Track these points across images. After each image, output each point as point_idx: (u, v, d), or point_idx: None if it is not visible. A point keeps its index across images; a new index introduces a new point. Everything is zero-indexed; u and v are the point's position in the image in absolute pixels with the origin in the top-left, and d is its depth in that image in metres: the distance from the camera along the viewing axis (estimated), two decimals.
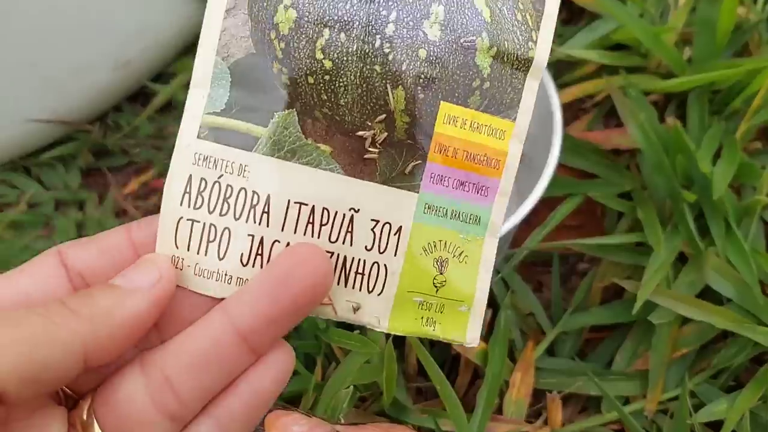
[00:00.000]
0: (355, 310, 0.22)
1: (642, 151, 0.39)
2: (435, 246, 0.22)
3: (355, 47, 0.21)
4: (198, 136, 0.21)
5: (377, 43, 0.21)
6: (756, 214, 0.38)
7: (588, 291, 0.40)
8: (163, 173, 0.43)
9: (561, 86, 0.44)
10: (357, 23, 0.21)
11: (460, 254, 0.23)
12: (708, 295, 0.37)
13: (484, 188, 0.22)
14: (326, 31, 0.21)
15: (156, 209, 0.44)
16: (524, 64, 0.22)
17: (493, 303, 0.40)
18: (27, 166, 0.44)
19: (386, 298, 0.22)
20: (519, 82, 0.22)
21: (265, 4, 0.21)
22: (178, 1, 0.42)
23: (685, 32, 0.43)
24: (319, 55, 0.21)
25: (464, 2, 0.22)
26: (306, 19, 0.21)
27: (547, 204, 0.40)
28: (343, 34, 0.21)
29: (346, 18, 0.21)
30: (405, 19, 0.21)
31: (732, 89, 0.40)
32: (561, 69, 0.45)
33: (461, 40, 0.21)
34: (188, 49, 0.46)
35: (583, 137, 0.42)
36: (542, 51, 0.22)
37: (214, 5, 0.22)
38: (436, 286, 0.22)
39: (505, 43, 0.22)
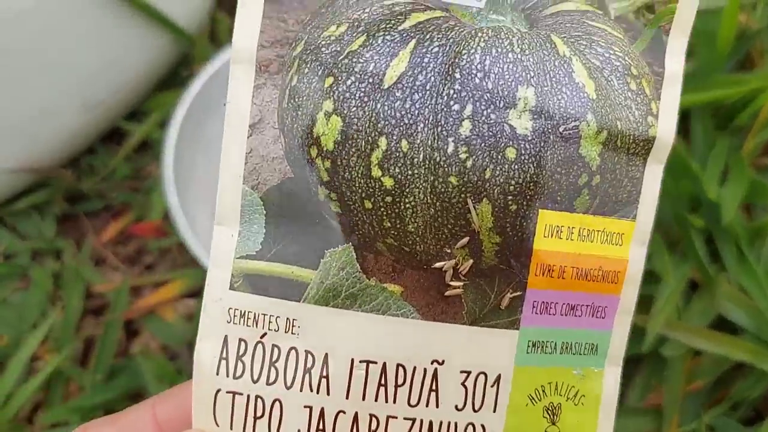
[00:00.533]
0: None
1: None
2: (544, 390, 0.17)
3: (421, 157, 0.16)
4: (231, 287, 0.17)
5: (450, 149, 0.16)
6: None
7: None
8: (141, 216, 0.41)
9: None
10: (422, 125, 0.16)
11: (575, 395, 0.18)
12: (722, 323, 0.35)
13: (600, 309, 0.18)
14: (383, 140, 0.16)
15: (136, 255, 0.42)
16: (644, 147, 0.18)
17: None
18: (0, 216, 0.42)
19: None
20: (637, 170, 0.18)
21: (299, 113, 0.17)
22: (146, 35, 0.39)
23: None
24: (376, 172, 0.16)
25: (561, 77, 0.17)
26: (355, 127, 0.16)
27: None
28: (404, 141, 0.16)
29: (407, 120, 0.16)
30: (484, 112, 0.16)
31: (736, 104, 0.38)
32: None
33: (560, 129, 0.17)
34: (162, 84, 0.43)
35: None
36: (666, 126, 0.18)
37: (233, 119, 0.17)
38: None
39: (618, 123, 0.17)
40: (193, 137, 0.38)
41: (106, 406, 0.37)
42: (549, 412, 0.18)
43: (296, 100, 0.17)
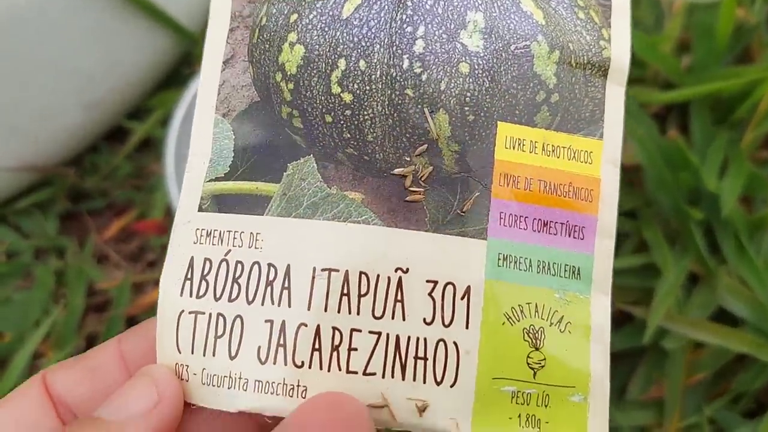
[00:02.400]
0: (421, 411, 0.16)
1: (644, 168, 0.37)
2: (522, 311, 0.17)
3: (378, 73, 0.17)
4: (200, 209, 0.18)
5: (405, 64, 0.17)
6: None
7: None
8: (143, 214, 0.42)
9: None
10: (378, 47, 0.17)
11: (559, 321, 0.17)
12: (722, 315, 0.35)
13: (577, 229, 0.17)
14: (342, 62, 0.17)
15: (138, 252, 0.42)
16: (599, 67, 0.18)
17: None
18: (3, 214, 0.42)
19: (463, 390, 0.16)
20: (597, 90, 0.18)
21: (267, 46, 0.18)
22: (147, 34, 0.40)
23: (683, 38, 0.41)
24: (335, 89, 0.17)
25: (508, 6, 0.18)
26: (317, 52, 0.18)
27: None
28: (362, 61, 0.17)
29: (364, 43, 0.17)
30: (436, 33, 0.17)
31: (735, 97, 0.38)
32: None
33: (512, 47, 0.17)
34: (163, 83, 0.44)
35: None
36: (620, 49, 0.18)
37: (210, 57, 0.19)
38: (532, 368, 0.17)
39: (569, 44, 0.18)
40: None
41: None
42: (530, 335, 0.17)
43: (264, 35, 0.18)
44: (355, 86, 0.18)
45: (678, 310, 0.35)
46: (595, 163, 0.18)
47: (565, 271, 0.17)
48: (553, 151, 0.18)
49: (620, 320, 0.38)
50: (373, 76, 0.18)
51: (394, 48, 0.17)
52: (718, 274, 0.35)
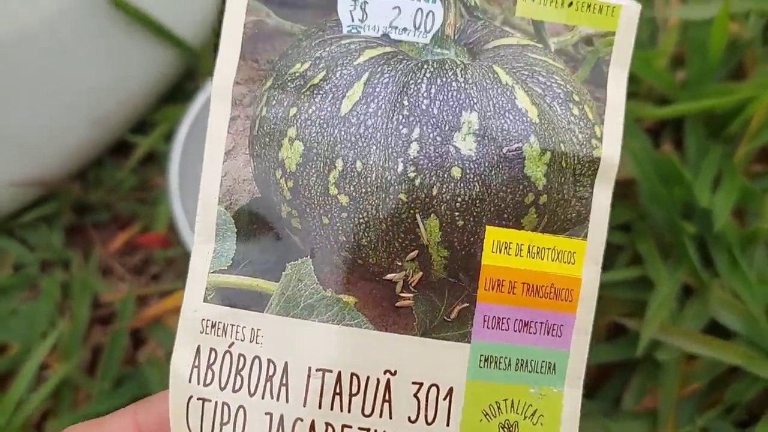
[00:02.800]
0: None
1: (638, 182, 0.38)
2: (499, 407, 0.18)
3: (374, 176, 0.18)
4: (205, 300, 0.18)
5: (400, 168, 0.18)
6: (760, 241, 0.37)
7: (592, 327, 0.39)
8: (147, 227, 0.42)
9: None
10: (374, 147, 0.18)
11: (533, 414, 0.18)
12: (715, 328, 0.36)
13: (556, 327, 0.18)
14: (339, 162, 0.18)
15: (142, 265, 0.43)
16: (590, 167, 0.18)
17: None
18: (9, 227, 0.43)
19: None
20: (586, 190, 0.19)
21: (267, 139, 0.18)
22: (152, 51, 0.40)
23: (678, 53, 0.42)
24: (333, 190, 0.18)
25: (503, 103, 0.18)
26: (315, 150, 0.18)
27: None
28: (359, 162, 0.18)
29: (361, 143, 0.18)
30: (431, 135, 0.18)
31: (729, 112, 0.38)
32: None
33: (504, 150, 0.18)
34: (167, 98, 0.44)
35: None
36: (611, 148, 0.19)
37: (212, 147, 0.19)
38: None
39: (561, 144, 0.18)
40: (198, 149, 0.39)
41: None
42: (505, 429, 0.18)
43: (265, 128, 0.19)
44: (352, 188, 0.18)
45: (671, 322, 0.36)
46: (577, 264, 0.18)
47: (542, 367, 0.18)
48: (537, 253, 0.18)
49: (614, 332, 0.39)
50: (369, 179, 0.18)
51: (390, 150, 0.18)
52: (711, 287, 0.36)
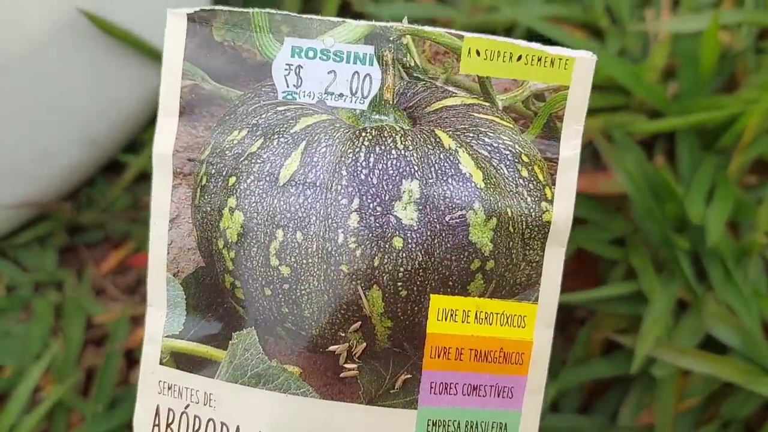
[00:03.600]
0: None
1: (630, 197, 0.38)
2: None
3: (315, 247, 0.18)
4: (161, 362, 0.19)
5: (340, 239, 0.18)
6: (754, 253, 0.37)
7: (587, 343, 0.39)
8: (140, 247, 0.42)
9: None
10: (314, 218, 0.18)
11: None
12: (710, 342, 0.36)
13: (506, 389, 0.18)
14: (280, 232, 0.18)
15: (136, 285, 0.43)
16: (539, 231, 0.18)
17: None
18: (2, 249, 0.43)
19: None
20: (536, 253, 0.18)
21: (208, 209, 0.19)
22: (140, 72, 0.40)
23: (669, 65, 0.41)
24: (274, 262, 0.18)
25: (446, 169, 0.18)
26: (255, 221, 0.18)
27: None
28: (299, 233, 0.18)
29: (300, 213, 0.18)
30: (371, 205, 0.18)
31: (721, 124, 0.38)
32: None
33: (446, 218, 0.18)
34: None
35: None
36: (562, 211, 0.18)
37: (157, 215, 0.19)
38: None
39: (508, 210, 0.18)
40: None
41: None
42: None
43: (205, 197, 0.19)
44: (293, 259, 0.18)
45: (666, 337, 0.36)
46: (528, 327, 0.18)
47: (493, 427, 0.18)
48: (485, 318, 0.18)
49: (611, 346, 0.39)
50: (310, 250, 0.18)
51: (330, 221, 0.18)
52: (706, 301, 0.36)
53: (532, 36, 0.46)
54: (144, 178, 0.44)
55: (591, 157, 0.43)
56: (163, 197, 0.19)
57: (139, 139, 0.44)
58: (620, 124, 0.39)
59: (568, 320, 0.41)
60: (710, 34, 0.37)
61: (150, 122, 0.44)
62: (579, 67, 0.18)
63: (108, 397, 0.39)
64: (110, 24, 0.38)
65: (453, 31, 0.18)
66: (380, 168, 0.18)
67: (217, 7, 0.18)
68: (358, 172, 0.18)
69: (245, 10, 0.18)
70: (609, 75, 0.39)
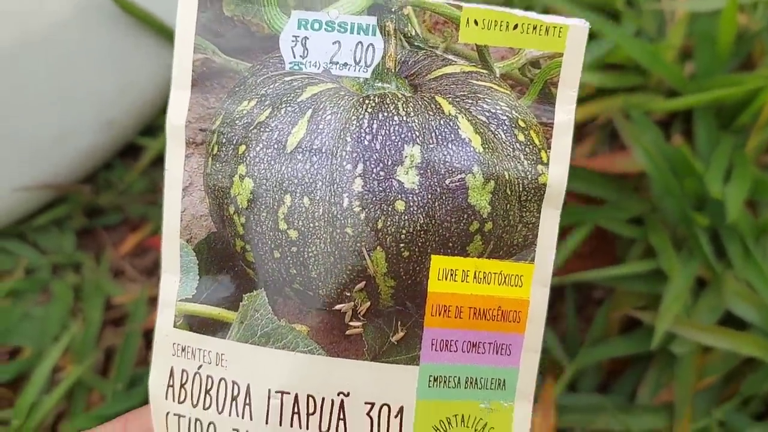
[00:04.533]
0: None
1: (649, 175, 0.38)
2: (450, 422, 0.19)
3: (321, 211, 0.18)
4: (174, 325, 0.20)
5: (345, 203, 0.18)
6: None
7: (605, 322, 0.39)
8: (158, 229, 0.42)
9: None
10: (320, 183, 0.18)
11: (483, 428, 0.19)
12: (730, 319, 0.36)
13: (504, 347, 0.19)
14: (287, 198, 0.18)
15: (154, 267, 0.43)
16: (535, 194, 0.19)
17: None
18: (21, 231, 0.43)
19: None
20: (532, 215, 0.19)
21: (220, 176, 0.19)
22: (158, 55, 0.41)
23: (686, 45, 0.41)
24: (282, 225, 0.19)
25: (447, 134, 0.18)
26: (264, 187, 0.19)
27: None
28: (306, 198, 0.18)
29: (307, 179, 0.18)
30: (374, 170, 0.18)
31: (738, 103, 0.38)
32: None
33: (446, 182, 0.18)
34: None
35: (587, 164, 0.40)
36: (557, 173, 0.19)
37: (170, 184, 0.20)
38: None
39: (506, 173, 0.18)
40: None
41: None
42: None
43: (217, 165, 0.19)
44: (300, 223, 0.19)
45: (686, 314, 0.36)
46: (525, 286, 0.19)
47: (491, 383, 0.19)
48: (484, 278, 0.19)
49: (629, 326, 0.39)
50: (316, 214, 0.18)
51: (335, 186, 0.18)
52: (725, 278, 0.36)
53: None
54: (161, 161, 0.44)
55: (608, 137, 0.43)
56: (176, 167, 0.20)
57: (156, 122, 0.44)
58: (638, 104, 0.39)
59: (585, 301, 0.41)
60: (728, 12, 0.37)
61: (167, 106, 0.44)
62: (572, 35, 0.19)
63: (127, 377, 0.39)
64: (131, 3, 0.38)
65: (452, 2, 0.19)
66: (383, 134, 0.19)
67: None
68: (362, 138, 0.18)
69: None
70: (627, 55, 0.39)
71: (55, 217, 0.43)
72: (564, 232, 0.40)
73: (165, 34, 0.40)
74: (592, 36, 0.43)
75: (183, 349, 0.20)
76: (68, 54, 0.38)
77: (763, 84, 0.36)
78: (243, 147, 0.19)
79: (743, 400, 0.36)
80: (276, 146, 0.19)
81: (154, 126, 0.44)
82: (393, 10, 0.19)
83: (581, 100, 0.43)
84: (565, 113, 0.19)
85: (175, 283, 0.20)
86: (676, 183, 0.36)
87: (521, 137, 0.19)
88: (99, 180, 0.44)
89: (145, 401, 0.39)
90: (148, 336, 0.40)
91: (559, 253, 0.39)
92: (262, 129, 0.19)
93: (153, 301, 0.41)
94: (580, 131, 0.44)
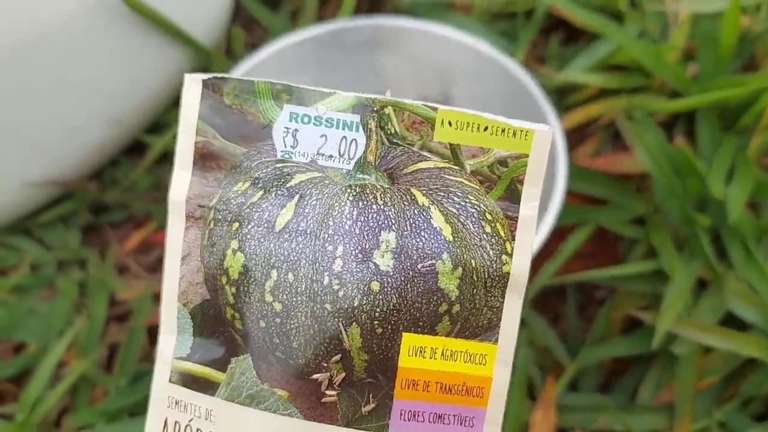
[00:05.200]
0: None
1: (652, 176, 0.38)
2: None
3: (303, 287, 0.20)
4: (170, 380, 0.22)
5: (326, 281, 0.20)
6: None
7: (606, 322, 0.39)
8: (162, 226, 0.43)
9: (563, 109, 0.43)
10: (304, 261, 0.20)
11: None
12: (731, 320, 0.36)
13: (468, 419, 0.21)
14: (274, 273, 0.20)
15: (158, 264, 0.43)
16: (500, 281, 0.21)
17: None
18: (27, 227, 0.44)
19: None
20: (496, 300, 0.21)
21: (214, 249, 0.21)
22: (165, 51, 0.41)
23: (689, 46, 0.42)
24: (268, 298, 0.20)
25: (420, 223, 0.20)
26: (254, 261, 0.21)
27: (557, 233, 0.39)
28: (291, 274, 0.20)
29: (292, 257, 0.20)
30: (352, 253, 0.20)
31: (741, 105, 0.38)
32: (563, 92, 0.44)
33: (418, 266, 0.20)
34: (180, 98, 0.45)
35: (590, 164, 0.40)
36: (520, 264, 0.21)
37: (171, 253, 0.22)
38: None
39: (472, 261, 0.20)
40: None
41: (130, 410, 0.38)
42: None
43: (212, 239, 0.21)
44: (284, 297, 0.20)
45: (687, 315, 0.36)
46: (488, 365, 0.21)
47: None
48: (450, 355, 0.21)
49: (629, 326, 0.39)
50: (299, 289, 0.20)
51: (317, 264, 0.20)
52: (726, 279, 0.36)
53: (551, 18, 0.46)
54: (166, 158, 0.45)
55: (610, 138, 0.43)
56: (176, 237, 0.22)
57: (161, 120, 0.45)
58: (641, 105, 0.40)
59: (587, 301, 0.41)
60: (731, 14, 0.38)
61: (173, 104, 0.45)
62: (538, 138, 0.21)
63: (131, 372, 0.39)
64: (138, 1, 0.38)
65: (428, 104, 0.21)
66: (362, 220, 0.21)
67: (227, 75, 0.21)
68: (343, 223, 0.21)
69: (251, 79, 0.21)
70: (630, 56, 0.39)
71: (61, 213, 0.43)
72: (566, 232, 0.40)
73: (172, 32, 0.40)
74: (596, 37, 0.43)
75: (176, 403, 0.21)
76: (75, 51, 0.38)
77: (766, 85, 0.36)
78: (236, 224, 0.21)
79: (744, 401, 0.36)
80: (266, 225, 0.21)
81: (159, 123, 0.45)
82: (375, 109, 0.21)
83: (584, 102, 0.43)
84: (529, 209, 0.21)
85: (172, 342, 0.22)
86: (679, 183, 0.37)
87: (488, 229, 0.21)
88: (105, 177, 0.44)
89: (147, 397, 0.39)
90: (151, 332, 0.41)
91: (560, 253, 0.39)
92: (254, 209, 0.21)
93: (157, 298, 0.42)
94: (583, 132, 0.44)
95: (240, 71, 0.39)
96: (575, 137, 0.43)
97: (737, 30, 0.38)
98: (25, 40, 0.36)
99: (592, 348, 0.38)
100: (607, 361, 0.39)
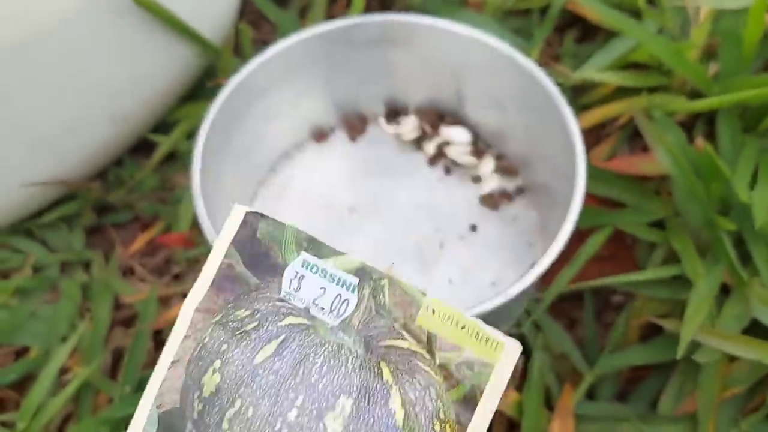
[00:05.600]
0: None
1: (672, 178, 0.37)
2: None
3: (257, 425, 0.21)
4: None
5: (277, 426, 0.21)
6: None
7: (625, 329, 0.38)
8: (169, 227, 0.42)
9: (578, 109, 0.42)
10: (266, 400, 0.21)
11: None
12: (756, 327, 0.35)
13: None
14: (238, 402, 0.21)
15: (164, 266, 0.42)
16: None
17: (524, 347, 0.37)
18: (29, 228, 0.43)
19: None
20: None
21: (200, 363, 0.22)
22: (172, 48, 0.40)
23: (710, 44, 0.40)
24: (225, 425, 0.21)
25: (378, 399, 0.21)
26: (227, 385, 0.22)
27: (574, 236, 0.38)
28: (251, 409, 0.21)
29: (258, 393, 0.21)
30: (310, 407, 0.21)
31: (763, 106, 0.37)
32: (578, 91, 0.43)
33: None
34: (187, 96, 0.44)
35: (606, 166, 0.39)
36: None
37: (164, 355, 0.23)
38: None
39: None
40: (219, 147, 0.39)
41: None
42: None
43: (202, 352, 0.23)
44: (238, 429, 0.21)
45: (710, 322, 0.35)
46: None
47: None
48: None
49: (649, 332, 0.38)
50: (253, 426, 0.21)
51: (276, 407, 0.21)
52: (751, 285, 0.35)
53: (566, 15, 0.45)
54: (172, 158, 0.44)
55: (628, 139, 0.42)
56: (175, 342, 0.23)
57: (168, 118, 0.44)
58: (660, 104, 0.38)
59: (603, 305, 0.40)
60: (756, 10, 0.36)
61: (180, 102, 0.44)
62: (506, 352, 0.21)
63: (136, 379, 0.38)
64: None
65: (420, 288, 0.22)
66: (328, 378, 0.22)
67: (266, 214, 0.23)
68: (311, 376, 0.21)
69: (284, 222, 0.23)
70: (649, 54, 0.38)
71: (64, 213, 0.42)
72: (582, 236, 0.39)
73: (179, 29, 0.39)
74: (613, 34, 0.42)
75: None
76: (80, 47, 0.37)
77: None
78: (225, 346, 0.22)
79: None
80: (249, 355, 0.22)
81: (166, 122, 0.44)
82: (374, 278, 0.22)
83: (600, 101, 0.42)
84: (480, 422, 0.21)
85: None
86: (701, 186, 0.35)
87: (437, 427, 0.21)
88: (109, 177, 0.44)
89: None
90: (157, 337, 0.40)
91: (577, 258, 0.38)
92: (244, 337, 0.22)
93: (163, 301, 0.41)
94: (599, 132, 0.43)
95: (248, 68, 0.38)
96: (590, 138, 0.42)
97: (762, 27, 0.37)
98: (29, 35, 0.35)
99: (611, 356, 0.37)
100: (626, 369, 0.38)
